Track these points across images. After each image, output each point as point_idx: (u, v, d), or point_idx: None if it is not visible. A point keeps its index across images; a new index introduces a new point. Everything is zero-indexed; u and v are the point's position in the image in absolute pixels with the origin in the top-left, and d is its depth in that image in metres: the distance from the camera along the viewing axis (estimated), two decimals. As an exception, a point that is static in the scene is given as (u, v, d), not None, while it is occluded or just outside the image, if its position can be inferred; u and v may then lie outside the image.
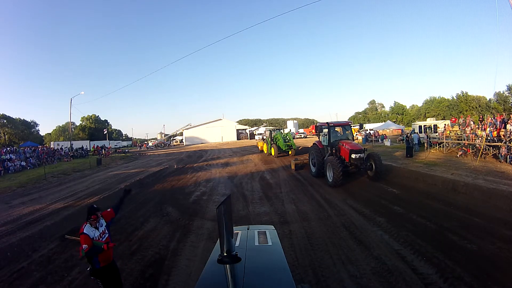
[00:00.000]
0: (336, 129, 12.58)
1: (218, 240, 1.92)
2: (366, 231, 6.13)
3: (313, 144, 13.44)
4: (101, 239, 3.61)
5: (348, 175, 11.02)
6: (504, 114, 15.02)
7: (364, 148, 11.41)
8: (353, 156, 10.63)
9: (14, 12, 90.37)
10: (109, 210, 3.91)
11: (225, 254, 1.86)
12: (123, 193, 4.26)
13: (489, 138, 12.95)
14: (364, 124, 43.49)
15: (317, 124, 14.18)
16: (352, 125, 14.69)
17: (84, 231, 3.52)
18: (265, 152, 23.44)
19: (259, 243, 2.65)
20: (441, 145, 16.08)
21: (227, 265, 1.86)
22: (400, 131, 36.59)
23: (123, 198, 4.21)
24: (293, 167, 14.93)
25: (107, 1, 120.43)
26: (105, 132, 56.52)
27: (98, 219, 3.66)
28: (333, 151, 11.70)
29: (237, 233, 2.86)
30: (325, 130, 12.49)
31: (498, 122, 13.98)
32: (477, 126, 15.60)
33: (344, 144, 11.29)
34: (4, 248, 6.22)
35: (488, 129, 13.85)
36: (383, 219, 6.74)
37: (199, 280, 2.05)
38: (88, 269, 3.63)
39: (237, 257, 1.87)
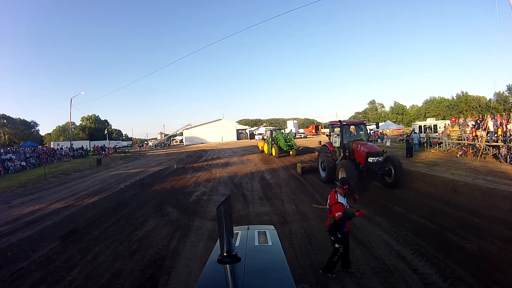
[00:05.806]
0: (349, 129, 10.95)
1: (218, 240, 1.92)
2: (366, 231, 6.13)
3: (323, 145, 11.85)
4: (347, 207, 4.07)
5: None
6: (504, 114, 15.00)
7: (383, 150, 9.90)
8: (370, 160, 9.27)
9: (14, 12, 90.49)
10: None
11: (225, 254, 1.86)
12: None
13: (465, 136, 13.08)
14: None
15: (328, 123, 12.70)
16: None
17: (339, 200, 3.95)
18: (266, 152, 23.44)
19: (259, 243, 2.65)
20: (441, 145, 16.08)
21: (227, 265, 1.86)
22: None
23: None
24: (299, 171, 13.37)
25: (107, 1, 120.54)
26: (105, 132, 56.50)
27: (346, 190, 4.11)
28: (346, 153, 10.33)
29: (237, 233, 2.86)
30: (337, 130, 10.91)
31: (498, 122, 13.99)
32: (477, 126, 15.59)
33: (360, 146, 9.87)
34: (4, 248, 6.21)
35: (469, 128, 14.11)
36: (383, 219, 6.74)
37: (199, 280, 2.04)
38: (335, 237, 4.07)
39: (237, 257, 1.87)
